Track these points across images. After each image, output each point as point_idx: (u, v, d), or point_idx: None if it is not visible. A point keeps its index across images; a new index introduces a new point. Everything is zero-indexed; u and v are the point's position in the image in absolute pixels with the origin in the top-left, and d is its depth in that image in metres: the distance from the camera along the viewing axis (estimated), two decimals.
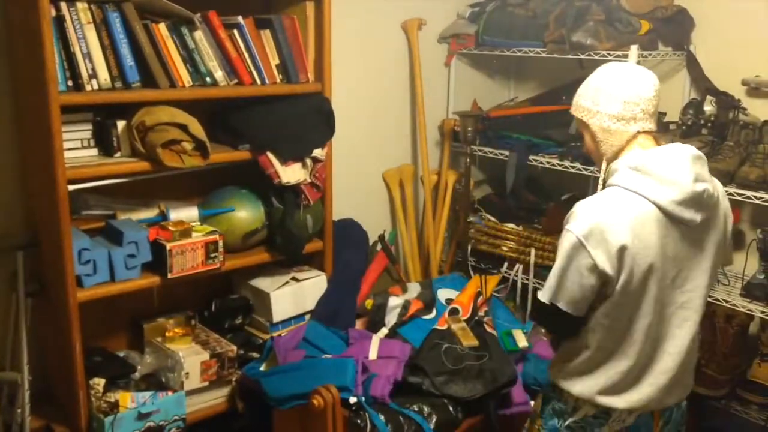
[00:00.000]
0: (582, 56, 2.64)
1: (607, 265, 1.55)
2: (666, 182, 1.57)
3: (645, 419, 1.73)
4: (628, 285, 1.58)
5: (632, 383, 1.67)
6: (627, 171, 1.60)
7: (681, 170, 1.58)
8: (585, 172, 2.64)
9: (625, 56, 2.48)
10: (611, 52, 2.55)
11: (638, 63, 2.50)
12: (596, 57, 2.57)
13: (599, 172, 1.74)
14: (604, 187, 1.68)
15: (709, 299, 2.36)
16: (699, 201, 1.59)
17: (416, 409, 2.09)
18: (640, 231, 1.56)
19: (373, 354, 2.26)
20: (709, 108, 2.49)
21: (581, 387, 1.70)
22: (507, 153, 2.85)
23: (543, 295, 1.66)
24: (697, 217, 1.60)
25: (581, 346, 1.69)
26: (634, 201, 1.57)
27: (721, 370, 2.45)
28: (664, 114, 2.74)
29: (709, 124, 2.47)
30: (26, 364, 2.05)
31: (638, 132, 1.66)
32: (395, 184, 3.07)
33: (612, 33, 2.59)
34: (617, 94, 1.64)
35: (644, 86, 1.65)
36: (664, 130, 2.56)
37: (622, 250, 1.54)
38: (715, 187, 1.67)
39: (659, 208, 1.57)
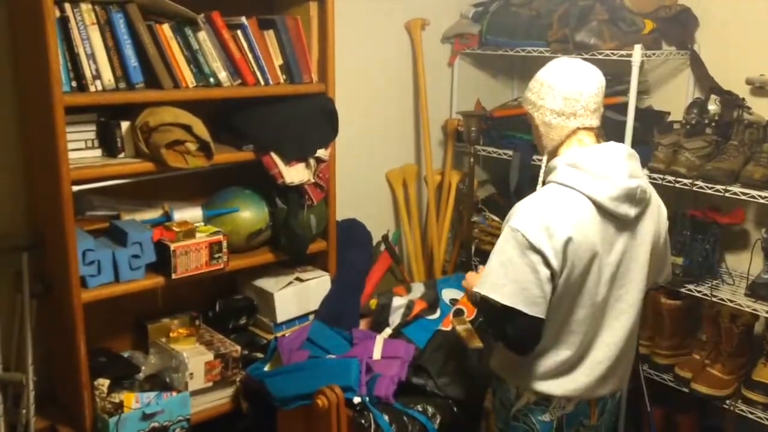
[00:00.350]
0: (586, 56, 2.63)
1: (554, 261, 1.60)
2: (601, 178, 1.64)
3: (583, 407, 1.80)
4: (570, 278, 1.64)
5: (569, 371, 1.74)
6: (564, 168, 1.67)
7: (615, 167, 1.66)
8: None
9: (629, 56, 2.48)
10: (615, 52, 2.55)
11: (642, 63, 2.50)
12: (600, 56, 2.57)
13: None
14: (544, 181, 1.75)
15: (713, 298, 2.39)
16: (633, 196, 1.66)
17: (420, 409, 2.09)
18: (580, 225, 1.62)
19: (377, 354, 2.26)
20: (713, 107, 2.48)
21: (521, 377, 1.76)
22: (510, 153, 2.85)
23: (504, 299, 1.62)
24: (631, 211, 1.67)
25: None
26: (572, 197, 1.64)
27: (726, 370, 2.44)
28: (668, 113, 2.74)
29: (713, 124, 2.47)
30: (31, 365, 2.06)
31: (578, 128, 1.72)
32: (399, 184, 3.07)
33: (615, 32, 2.58)
34: (559, 90, 1.70)
35: (587, 83, 1.70)
36: (668, 130, 2.55)
37: (567, 243, 1.61)
38: (647, 185, 1.74)
39: (594, 203, 1.64)
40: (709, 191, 2.35)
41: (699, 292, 2.45)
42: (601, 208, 1.65)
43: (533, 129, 1.81)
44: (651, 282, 1.85)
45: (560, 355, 1.72)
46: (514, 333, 1.66)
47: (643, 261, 1.75)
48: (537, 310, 1.63)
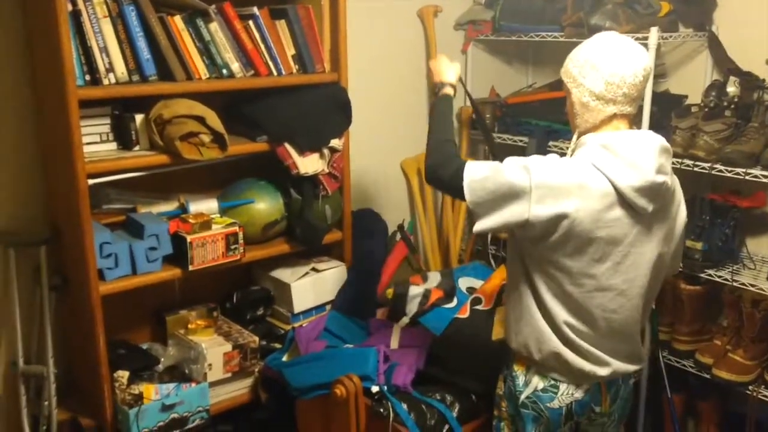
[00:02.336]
0: None
1: (535, 215, 1.58)
2: (629, 166, 1.58)
3: (594, 394, 1.77)
4: (563, 250, 1.62)
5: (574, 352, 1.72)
6: (595, 147, 1.62)
7: (646, 158, 1.59)
8: None
9: (645, 38, 2.44)
10: (631, 35, 2.51)
11: (659, 45, 2.46)
12: None
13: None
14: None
15: (734, 283, 2.36)
16: (656, 191, 1.61)
17: (439, 397, 2.08)
18: (589, 206, 1.58)
19: (394, 343, 2.25)
20: (732, 89, 2.45)
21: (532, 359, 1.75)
22: (526, 139, 2.83)
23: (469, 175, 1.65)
24: (650, 207, 1.62)
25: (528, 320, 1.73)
26: (594, 176, 1.59)
27: (748, 356, 2.41)
28: (686, 97, 2.70)
29: (733, 106, 2.43)
30: (51, 358, 2.08)
31: (615, 114, 1.66)
32: (413, 173, 3.06)
33: (631, 15, 2.55)
34: (603, 72, 1.62)
35: (633, 68, 1.62)
36: (686, 114, 2.52)
37: (561, 217, 1.58)
38: (674, 182, 1.70)
39: (616, 189, 1.59)
40: (728, 175, 2.32)
41: (720, 277, 2.42)
42: (620, 195, 1.60)
43: (567, 103, 1.73)
44: (658, 276, 1.79)
45: (563, 333, 1.72)
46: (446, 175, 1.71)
47: (650, 257, 1.70)
48: (473, 195, 1.64)
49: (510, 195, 1.61)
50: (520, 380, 1.80)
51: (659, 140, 1.64)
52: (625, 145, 1.60)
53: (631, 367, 1.80)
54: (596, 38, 1.68)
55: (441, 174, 1.74)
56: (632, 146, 1.60)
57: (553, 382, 1.76)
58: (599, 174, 1.60)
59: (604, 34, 1.69)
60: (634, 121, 1.74)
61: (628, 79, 1.62)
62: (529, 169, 1.61)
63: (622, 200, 1.61)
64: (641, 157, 1.59)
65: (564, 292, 1.69)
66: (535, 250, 1.68)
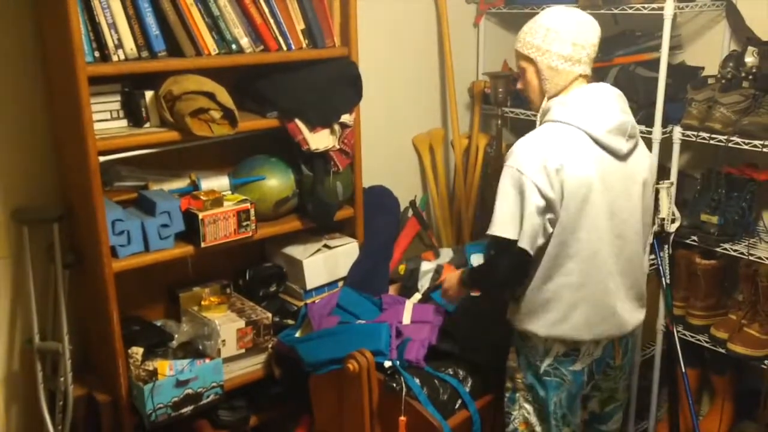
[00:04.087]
0: (615, 11, 2.55)
1: (549, 191, 1.68)
2: (595, 112, 1.73)
3: (608, 349, 1.85)
4: (569, 208, 1.71)
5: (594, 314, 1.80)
6: (558, 106, 1.77)
7: (607, 102, 1.76)
8: None
9: (661, 9, 2.39)
10: (646, 5, 2.46)
11: (675, 16, 2.41)
12: (630, 11, 2.49)
13: (538, 109, 1.87)
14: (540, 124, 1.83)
15: (750, 257, 2.33)
16: (625, 130, 1.75)
17: (451, 372, 2.08)
18: (575, 157, 1.70)
19: (406, 319, 2.25)
20: (750, 59, 2.39)
21: (548, 329, 1.81)
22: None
23: (506, 232, 1.72)
24: (624, 146, 1.76)
25: (539, 286, 1.78)
26: (567, 131, 1.73)
27: (764, 330, 2.39)
28: (702, 68, 2.65)
29: (751, 77, 2.38)
30: (66, 334, 2.09)
31: (579, 75, 1.80)
32: (425, 148, 3.03)
33: None
34: (568, 36, 1.77)
35: (592, 32, 1.79)
36: (702, 85, 2.48)
37: (560, 172, 1.69)
38: (635, 124, 1.84)
39: (590, 136, 1.72)
40: (745, 147, 2.29)
41: (735, 251, 2.39)
42: (596, 141, 1.72)
43: (529, 74, 1.84)
44: (647, 221, 1.91)
45: (578, 295, 1.78)
46: (505, 267, 1.76)
47: (637, 199, 1.81)
48: (526, 242, 1.71)
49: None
50: (540, 349, 1.83)
51: (612, 88, 1.81)
52: (585, 95, 1.76)
53: (639, 316, 1.89)
54: (549, 11, 1.82)
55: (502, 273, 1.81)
56: (592, 95, 1.77)
57: (573, 345, 1.80)
58: (570, 129, 1.73)
59: (554, 7, 1.84)
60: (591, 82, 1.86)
61: (590, 40, 1.78)
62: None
63: (599, 145, 1.73)
64: (604, 102, 1.75)
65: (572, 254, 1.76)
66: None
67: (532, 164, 1.69)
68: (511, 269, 1.77)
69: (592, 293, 1.78)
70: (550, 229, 1.73)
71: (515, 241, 1.71)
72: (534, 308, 1.82)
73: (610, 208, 1.76)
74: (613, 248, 1.78)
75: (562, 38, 1.76)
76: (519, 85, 1.92)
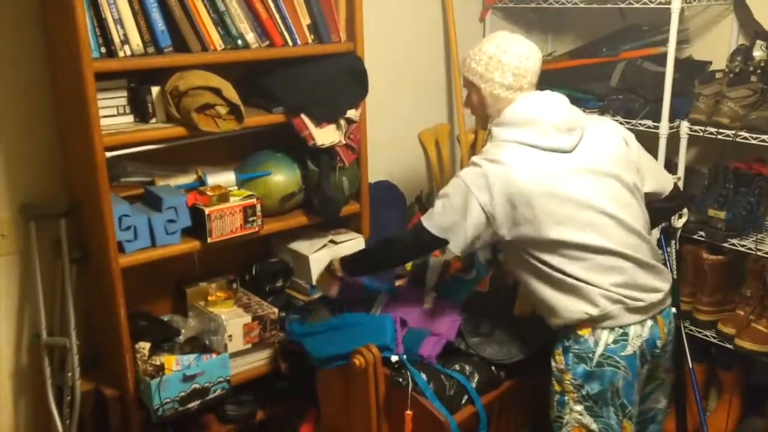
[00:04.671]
0: (622, 5, 2.54)
1: (490, 207, 1.79)
2: (525, 125, 1.81)
3: (654, 329, 1.87)
4: (531, 213, 1.78)
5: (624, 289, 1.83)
6: (495, 129, 1.86)
7: (542, 110, 1.82)
8: (626, 125, 2.56)
9: (668, 2, 2.38)
10: (652, 0, 2.45)
11: (682, 10, 2.40)
12: (637, 5, 2.48)
13: (483, 127, 2.00)
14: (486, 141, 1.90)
15: (758, 252, 2.32)
16: (561, 128, 1.80)
17: (458, 368, 2.08)
18: (522, 169, 1.77)
19: (428, 304, 2.26)
20: (759, 53, 2.38)
21: (595, 320, 1.82)
22: None
23: (433, 228, 1.89)
24: (565, 143, 1.80)
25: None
26: (508, 148, 1.81)
27: None
28: (710, 63, 2.64)
29: (759, 71, 2.36)
30: (73, 329, 2.10)
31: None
32: (431, 144, 3.03)
33: None
34: (508, 67, 1.84)
35: (532, 60, 1.86)
36: (710, 80, 2.47)
37: (507, 186, 1.77)
38: (580, 114, 1.89)
39: (530, 146, 1.79)
40: (753, 142, 2.27)
41: (743, 246, 2.38)
42: (536, 148, 1.79)
43: (473, 99, 1.93)
44: (647, 191, 1.95)
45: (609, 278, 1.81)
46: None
47: (607, 179, 1.82)
48: (455, 241, 1.86)
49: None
50: (590, 342, 1.83)
51: (550, 93, 1.89)
52: (515, 113, 1.84)
53: (665, 285, 1.91)
54: (493, 37, 1.89)
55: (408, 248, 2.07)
56: (521, 110, 1.83)
57: (621, 330, 1.82)
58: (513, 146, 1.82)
59: (495, 34, 1.91)
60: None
61: (530, 68, 1.85)
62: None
63: (542, 150, 1.80)
64: (534, 112, 1.82)
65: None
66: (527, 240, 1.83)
67: (478, 179, 1.81)
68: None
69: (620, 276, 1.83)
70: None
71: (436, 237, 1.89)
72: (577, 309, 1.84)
73: (585, 201, 1.79)
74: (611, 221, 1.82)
75: (503, 69, 1.84)
76: (464, 103, 2.02)
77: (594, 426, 1.86)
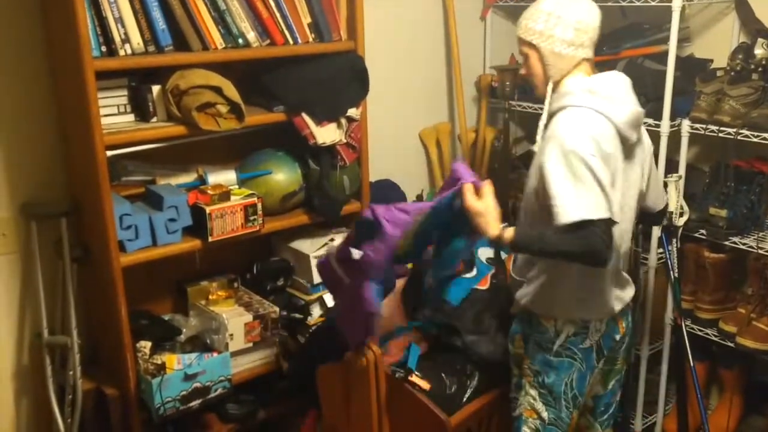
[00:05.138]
0: (623, 3, 2.54)
1: (606, 169, 1.68)
2: (618, 103, 1.75)
3: (612, 324, 1.91)
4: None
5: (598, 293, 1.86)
6: (583, 93, 1.75)
7: (626, 93, 1.80)
8: None
9: (669, 2, 2.37)
10: None
11: (683, 8, 2.39)
12: (638, 3, 2.47)
13: (542, 96, 1.85)
14: (550, 108, 1.82)
15: (759, 251, 2.32)
16: (638, 121, 1.80)
17: (458, 367, 2.08)
18: (608, 144, 1.71)
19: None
20: (760, 51, 2.38)
21: (567, 310, 1.85)
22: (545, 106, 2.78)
23: (594, 213, 1.61)
24: (634, 136, 1.79)
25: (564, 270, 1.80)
26: (596, 117, 1.72)
27: None
28: (711, 61, 2.63)
29: (760, 69, 2.36)
30: (75, 328, 2.10)
31: (583, 59, 1.81)
32: (432, 142, 3.03)
33: None
34: (570, 21, 1.77)
35: (593, 16, 1.80)
36: (711, 78, 2.46)
37: (608, 157, 1.70)
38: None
39: (613, 124, 1.73)
40: (754, 140, 2.27)
41: (744, 244, 2.38)
42: (618, 130, 1.73)
43: (532, 60, 1.84)
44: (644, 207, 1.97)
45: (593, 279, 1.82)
46: (602, 242, 1.61)
47: (636, 183, 1.85)
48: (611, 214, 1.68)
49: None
50: (551, 332, 1.86)
51: (626, 78, 1.84)
52: (607, 85, 1.77)
53: (631, 292, 1.97)
54: None
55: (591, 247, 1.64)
56: (613, 85, 1.78)
57: (582, 323, 1.85)
58: (599, 116, 1.73)
59: None
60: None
61: (591, 24, 1.79)
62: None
63: (619, 134, 1.75)
64: (623, 93, 1.79)
65: None
66: None
67: (591, 145, 1.66)
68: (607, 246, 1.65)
69: (602, 274, 1.83)
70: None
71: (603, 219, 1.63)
72: (553, 294, 1.85)
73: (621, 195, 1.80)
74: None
75: (564, 23, 1.76)
76: (522, 71, 1.91)
77: (545, 414, 1.91)
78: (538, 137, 1.85)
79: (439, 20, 2.95)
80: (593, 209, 1.62)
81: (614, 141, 1.73)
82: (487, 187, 1.77)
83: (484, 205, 1.74)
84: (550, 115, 1.80)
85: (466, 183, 1.76)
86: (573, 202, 1.63)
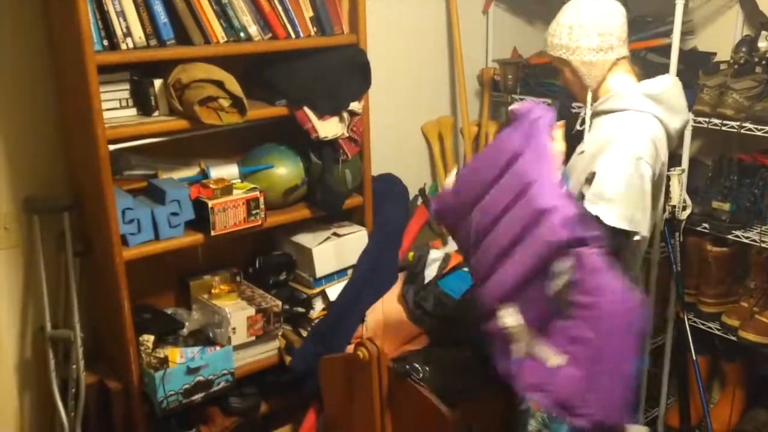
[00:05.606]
0: None
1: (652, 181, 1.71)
2: (676, 112, 1.77)
3: None
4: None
5: None
6: (641, 98, 1.75)
7: (683, 102, 1.81)
8: None
9: None
10: None
11: (687, 1, 2.38)
12: None
13: (583, 103, 1.84)
14: (592, 114, 1.83)
15: (762, 244, 2.32)
16: (684, 129, 1.87)
17: (461, 360, 2.08)
18: (662, 151, 1.75)
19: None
20: (763, 44, 2.36)
21: None
22: (549, 101, 2.78)
23: (636, 226, 1.65)
24: (675, 143, 1.84)
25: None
26: (658, 126, 1.74)
27: None
28: (714, 54, 2.62)
29: (764, 62, 2.35)
30: (77, 322, 2.11)
31: (617, 59, 1.80)
32: (434, 136, 3.03)
33: None
34: (592, 29, 1.76)
35: (615, 16, 1.78)
36: (714, 71, 2.46)
37: (661, 165, 1.75)
38: None
39: (668, 133, 1.76)
40: (758, 133, 2.26)
41: (747, 238, 2.38)
42: (668, 137, 1.77)
43: (566, 73, 1.85)
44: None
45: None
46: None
47: (660, 189, 1.87)
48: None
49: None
50: None
51: (678, 82, 1.85)
52: (667, 92, 1.77)
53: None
54: (567, 8, 1.82)
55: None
56: (672, 92, 1.79)
57: None
58: (656, 122, 1.75)
59: (569, 3, 1.84)
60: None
61: (616, 24, 1.77)
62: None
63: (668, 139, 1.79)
64: (681, 102, 1.80)
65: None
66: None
67: (649, 153, 1.69)
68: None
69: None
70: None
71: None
72: None
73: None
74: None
75: (588, 32, 1.76)
76: (561, 83, 1.93)
77: None
78: (586, 136, 1.82)
79: (442, 13, 2.94)
80: (639, 224, 1.66)
81: (665, 150, 1.77)
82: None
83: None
84: (595, 114, 1.82)
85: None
86: (623, 208, 1.63)
